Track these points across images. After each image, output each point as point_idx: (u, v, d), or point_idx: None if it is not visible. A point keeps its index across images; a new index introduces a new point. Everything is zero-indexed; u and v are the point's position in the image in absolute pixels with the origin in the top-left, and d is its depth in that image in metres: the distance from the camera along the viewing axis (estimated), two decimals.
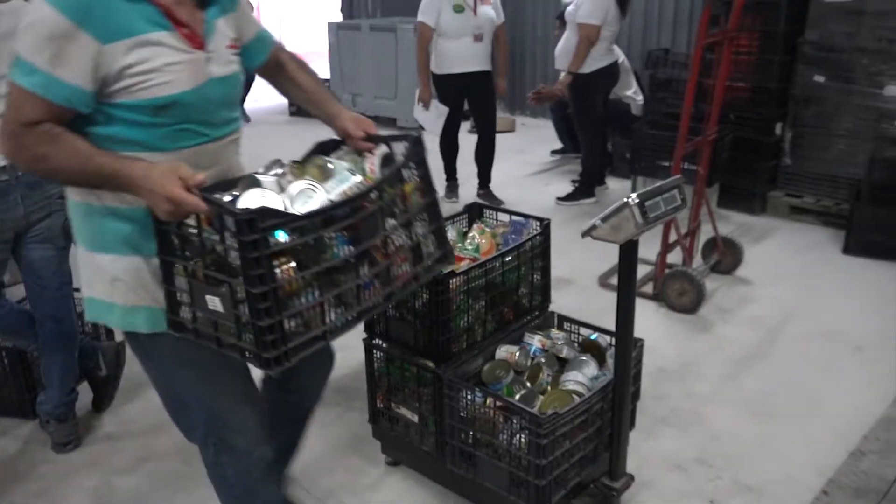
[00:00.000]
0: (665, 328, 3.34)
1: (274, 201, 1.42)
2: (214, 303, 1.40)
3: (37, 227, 2.40)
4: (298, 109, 8.50)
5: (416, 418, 2.25)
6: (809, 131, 4.55)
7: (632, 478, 2.14)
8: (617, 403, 2.02)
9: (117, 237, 1.50)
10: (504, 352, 2.25)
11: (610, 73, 4.95)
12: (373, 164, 1.65)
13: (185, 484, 2.39)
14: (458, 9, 4.63)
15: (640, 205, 1.73)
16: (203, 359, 1.57)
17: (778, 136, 4.67)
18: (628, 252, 1.85)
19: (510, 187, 5.36)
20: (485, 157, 5.04)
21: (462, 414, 2.09)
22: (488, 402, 2.04)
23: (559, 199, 5.10)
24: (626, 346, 1.97)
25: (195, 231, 1.39)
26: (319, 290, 1.44)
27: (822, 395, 2.79)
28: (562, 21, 5.29)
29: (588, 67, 4.74)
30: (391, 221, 1.57)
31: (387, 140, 1.71)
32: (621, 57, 5.22)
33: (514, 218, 2.50)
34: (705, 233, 3.87)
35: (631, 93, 5.59)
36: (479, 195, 4.97)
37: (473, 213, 2.60)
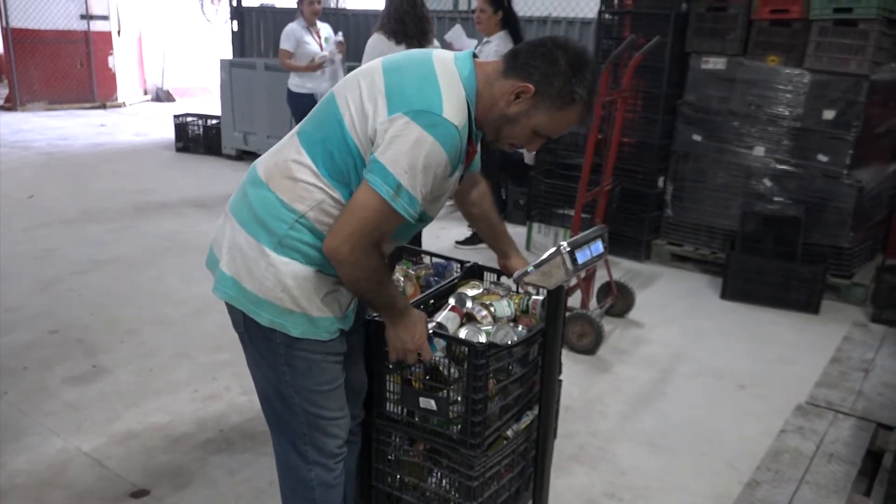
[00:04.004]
0: (567, 368, 3.44)
1: (481, 335, 1.95)
2: (429, 403, 1.89)
3: None
4: (185, 145, 8.29)
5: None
6: (688, 185, 4.93)
7: None
8: (541, 442, 2.09)
9: (304, 247, 1.61)
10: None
11: None
12: (535, 304, 2.15)
13: None
14: None
15: (571, 253, 1.83)
16: (329, 370, 1.73)
17: (660, 189, 5.03)
18: (556, 297, 1.94)
19: None
20: None
21: (389, 457, 2.10)
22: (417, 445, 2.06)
23: (458, 242, 5.23)
24: (551, 388, 2.05)
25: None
26: (502, 397, 1.98)
27: (713, 429, 3.00)
28: None
29: None
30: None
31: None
32: None
33: (436, 260, 2.55)
34: (599, 278, 4.10)
35: None
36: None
37: (393, 254, 2.63)
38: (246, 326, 1.69)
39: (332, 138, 1.59)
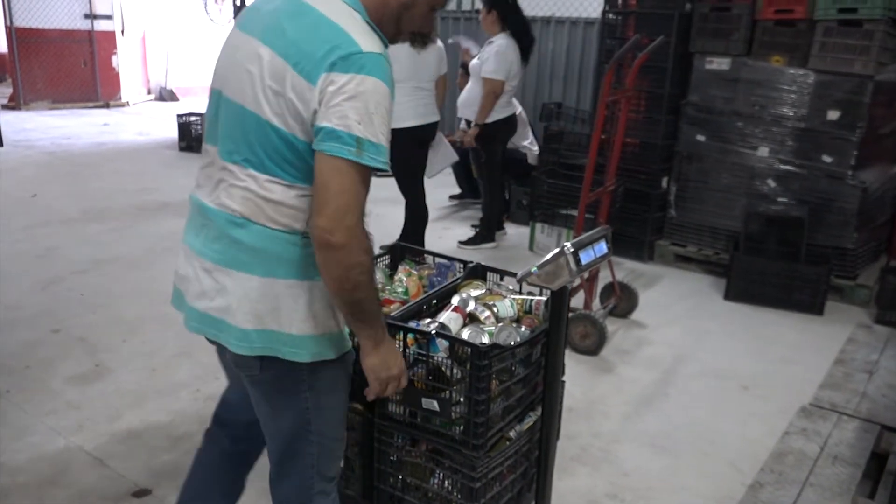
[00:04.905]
0: (570, 369, 3.41)
1: (484, 336, 1.99)
2: (431, 404, 1.89)
3: None
4: (188, 145, 8.29)
5: (341, 462, 2.22)
6: (692, 185, 4.92)
7: None
8: (544, 443, 2.08)
9: (314, 262, 1.46)
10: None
11: (509, 124, 5.18)
12: (538, 306, 2.19)
13: None
14: None
15: (575, 253, 1.82)
16: (347, 383, 1.66)
17: (664, 189, 5.02)
18: (560, 298, 1.93)
19: None
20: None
21: (392, 458, 2.09)
22: (419, 445, 2.06)
23: (461, 242, 5.22)
24: (554, 389, 2.04)
25: (423, 353, 1.91)
26: (504, 398, 1.98)
27: (717, 431, 2.99)
28: (465, 70, 5.49)
29: (490, 118, 4.93)
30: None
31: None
32: (519, 109, 5.47)
33: (439, 260, 2.55)
34: (603, 278, 4.08)
35: (527, 143, 5.85)
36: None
37: (395, 254, 2.63)
38: (263, 368, 1.54)
39: (275, 148, 1.43)
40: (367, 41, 1.39)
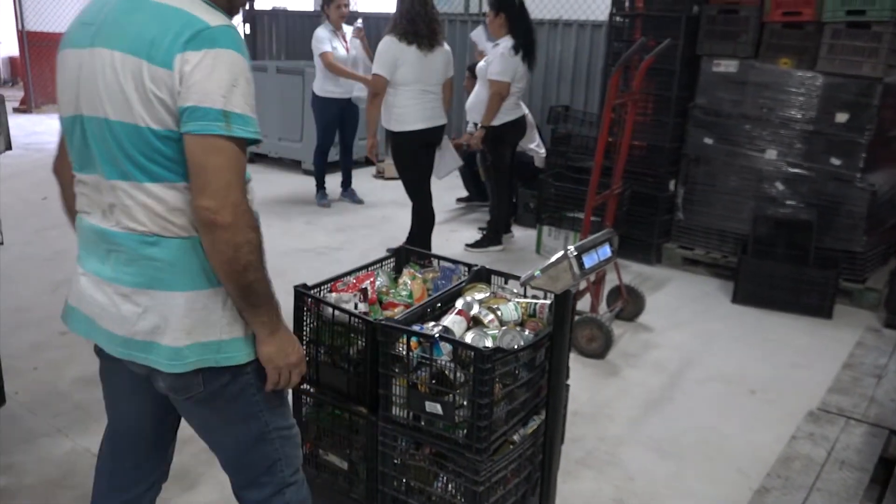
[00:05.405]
0: (576, 372, 3.43)
1: (488, 339, 2.01)
2: (435, 407, 1.92)
3: None
4: None
5: (345, 465, 2.23)
6: (699, 188, 4.90)
7: None
8: (548, 446, 2.08)
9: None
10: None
11: (518, 126, 5.18)
12: (543, 309, 2.22)
13: None
14: None
15: (578, 257, 1.82)
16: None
17: (671, 192, 5.00)
18: (563, 301, 1.93)
19: None
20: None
21: (395, 461, 2.09)
22: (422, 449, 2.06)
23: (468, 245, 5.22)
24: (558, 393, 2.04)
25: (427, 357, 1.94)
26: (508, 401, 1.98)
27: (723, 435, 2.98)
28: (472, 73, 5.50)
29: (498, 120, 4.93)
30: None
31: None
32: (525, 111, 5.47)
33: (443, 263, 2.55)
34: (609, 281, 4.07)
35: (534, 146, 5.85)
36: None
37: (400, 257, 2.63)
38: (206, 383, 1.51)
39: (155, 150, 1.39)
40: (212, 17, 1.39)
